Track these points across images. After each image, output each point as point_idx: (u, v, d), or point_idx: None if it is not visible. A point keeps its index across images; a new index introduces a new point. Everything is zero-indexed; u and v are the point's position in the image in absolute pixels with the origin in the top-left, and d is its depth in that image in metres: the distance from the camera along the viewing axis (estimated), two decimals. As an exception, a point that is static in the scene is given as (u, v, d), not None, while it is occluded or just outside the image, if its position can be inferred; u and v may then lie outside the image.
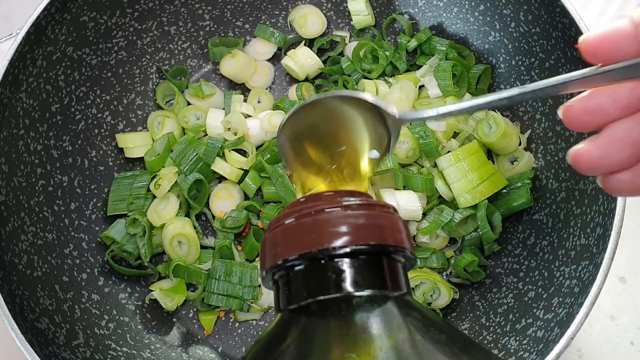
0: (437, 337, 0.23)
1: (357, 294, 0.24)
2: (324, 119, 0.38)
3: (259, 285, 0.57)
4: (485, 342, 0.51)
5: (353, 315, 0.24)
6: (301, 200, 0.27)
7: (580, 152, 0.30)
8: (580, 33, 0.49)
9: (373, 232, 0.25)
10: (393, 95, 0.61)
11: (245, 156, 0.61)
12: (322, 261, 0.25)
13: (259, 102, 0.66)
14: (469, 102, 0.33)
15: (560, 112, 0.31)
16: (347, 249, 0.24)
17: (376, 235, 0.25)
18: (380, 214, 0.26)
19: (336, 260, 0.24)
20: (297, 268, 0.25)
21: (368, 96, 0.36)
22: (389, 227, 0.26)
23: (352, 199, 0.26)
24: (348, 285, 0.24)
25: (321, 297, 0.24)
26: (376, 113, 0.36)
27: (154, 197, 0.60)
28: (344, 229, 0.25)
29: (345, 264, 0.24)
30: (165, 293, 0.56)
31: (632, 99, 0.29)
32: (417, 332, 0.23)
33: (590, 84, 0.30)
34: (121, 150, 0.63)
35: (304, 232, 0.25)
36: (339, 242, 0.24)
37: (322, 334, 0.24)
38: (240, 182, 0.60)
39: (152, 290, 0.57)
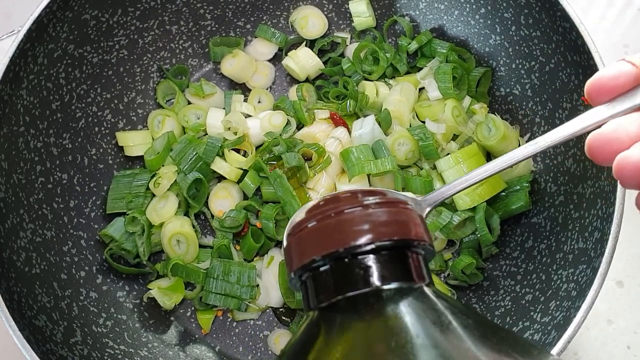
0: (466, 322, 0.24)
1: (385, 287, 0.25)
2: None
3: (257, 285, 0.57)
4: (482, 344, 0.51)
5: (385, 308, 0.25)
6: (320, 203, 0.28)
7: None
8: (581, 37, 0.49)
9: (395, 227, 0.26)
10: (393, 97, 0.61)
11: (244, 156, 0.61)
12: (349, 259, 0.26)
13: (259, 102, 0.66)
14: (478, 170, 0.35)
15: (587, 152, 0.32)
16: (372, 246, 0.25)
17: (399, 231, 0.26)
18: (400, 210, 0.27)
19: (362, 257, 0.25)
20: (324, 267, 0.26)
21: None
22: (409, 222, 0.27)
23: (370, 197, 0.27)
24: (376, 280, 0.25)
25: (351, 293, 0.25)
26: None
27: (153, 195, 0.60)
28: (367, 227, 0.26)
29: (372, 260, 0.25)
30: (164, 292, 0.56)
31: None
32: (447, 319, 0.24)
33: (602, 123, 0.32)
34: (121, 148, 0.63)
35: (329, 232, 0.26)
36: (363, 240, 0.25)
37: (357, 327, 0.24)
38: (239, 181, 0.60)
39: (150, 289, 0.57)
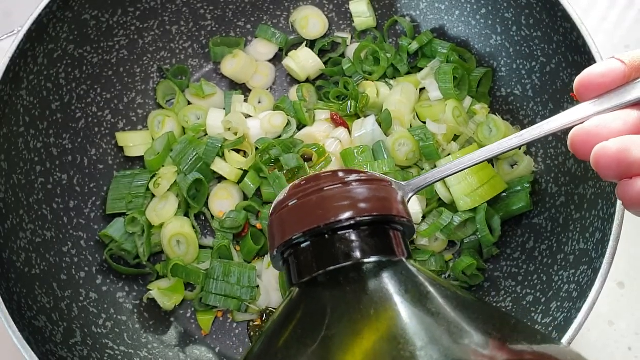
0: (445, 292, 0.25)
1: (365, 260, 0.26)
2: None
3: (257, 286, 0.57)
4: (483, 345, 0.51)
5: (365, 280, 0.25)
6: (302, 182, 0.28)
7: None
8: (582, 38, 0.49)
9: (375, 204, 0.27)
10: (394, 98, 0.61)
11: (245, 156, 0.61)
12: (329, 235, 0.26)
13: (259, 102, 0.66)
14: (469, 156, 0.34)
15: (570, 146, 0.33)
16: (352, 221, 0.26)
17: (378, 207, 0.27)
18: (379, 187, 0.28)
19: (342, 232, 0.26)
20: (305, 244, 0.27)
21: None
22: (389, 198, 0.27)
23: (351, 175, 0.28)
24: (356, 254, 0.26)
25: (332, 267, 0.26)
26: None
27: (153, 196, 0.60)
28: (347, 203, 0.26)
29: (352, 235, 0.26)
30: (163, 292, 0.56)
31: (626, 126, 0.31)
32: (426, 289, 0.25)
33: (587, 119, 0.32)
34: (121, 149, 0.63)
35: (310, 209, 0.26)
36: (345, 216, 0.26)
37: (338, 299, 0.25)
38: (239, 182, 0.60)
39: (150, 290, 0.57)
